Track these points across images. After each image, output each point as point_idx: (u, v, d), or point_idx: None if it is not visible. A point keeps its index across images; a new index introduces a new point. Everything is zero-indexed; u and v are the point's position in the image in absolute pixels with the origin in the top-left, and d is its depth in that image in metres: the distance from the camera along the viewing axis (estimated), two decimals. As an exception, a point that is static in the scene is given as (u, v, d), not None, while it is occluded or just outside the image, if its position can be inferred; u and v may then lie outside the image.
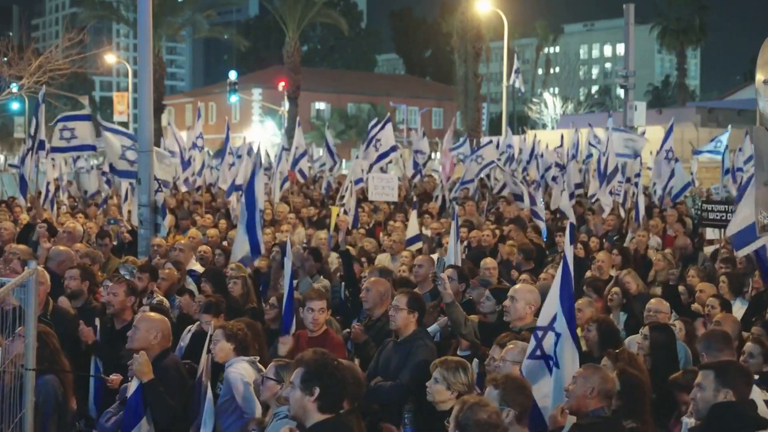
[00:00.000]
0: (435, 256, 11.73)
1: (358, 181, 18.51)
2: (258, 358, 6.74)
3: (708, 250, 13.25)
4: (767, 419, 5.26)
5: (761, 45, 9.34)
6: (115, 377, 6.95)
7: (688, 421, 5.54)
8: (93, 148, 15.65)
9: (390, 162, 22.80)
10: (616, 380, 5.67)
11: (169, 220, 15.37)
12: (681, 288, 10.17)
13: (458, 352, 7.52)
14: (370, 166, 19.95)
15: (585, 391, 5.48)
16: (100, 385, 7.27)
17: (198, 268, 10.97)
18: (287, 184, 20.69)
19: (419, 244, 13.32)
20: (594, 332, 7.31)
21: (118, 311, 7.79)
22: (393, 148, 21.09)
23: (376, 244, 13.43)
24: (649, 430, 5.79)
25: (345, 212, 16.16)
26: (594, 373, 5.58)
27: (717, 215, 12.50)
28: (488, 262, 10.61)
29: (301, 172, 22.53)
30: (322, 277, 10.71)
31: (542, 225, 15.35)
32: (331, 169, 25.25)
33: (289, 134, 47.96)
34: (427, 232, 14.63)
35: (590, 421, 5.44)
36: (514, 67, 40.69)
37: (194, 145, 20.29)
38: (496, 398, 5.27)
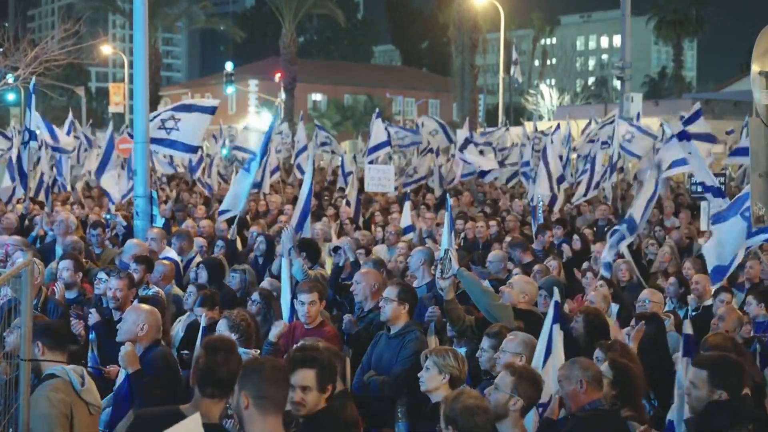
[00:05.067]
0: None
1: (348, 173, 18.60)
2: (258, 351, 6.77)
3: (702, 241, 13.26)
4: (761, 414, 5.29)
5: (757, 37, 9.34)
6: (112, 369, 6.96)
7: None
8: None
9: (389, 155, 22.78)
10: (596, 365, 5.66)
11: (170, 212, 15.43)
12: (675, 279, 10.22)
13: (455, 346, 7.53)
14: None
15: (574, 388, 5.45)
16: (98, 377, 7.28)
17: (173, 255, 10.81)
18: (276, 175, 20.74)
19: (411, 235, 13.39)
20: (581, 323, 7.26)
21: (121, 305, 7.76)
22: (385, 143, 21.06)
23: (371, 236, 13.45)
24: (642, 416, 5.81)
25: (347, 203, 16.24)
26: (571, 367, 5.54)
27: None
28: (495, 255, 10.55)
29: (299, 167, 22.57)
30: (318, 269, 10.70)
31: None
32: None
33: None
34: (424, 224, 14.66)
35: (587, 414, 5.41)
36: (513, 58, 40.59)
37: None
38: (509, 384, 5.22)
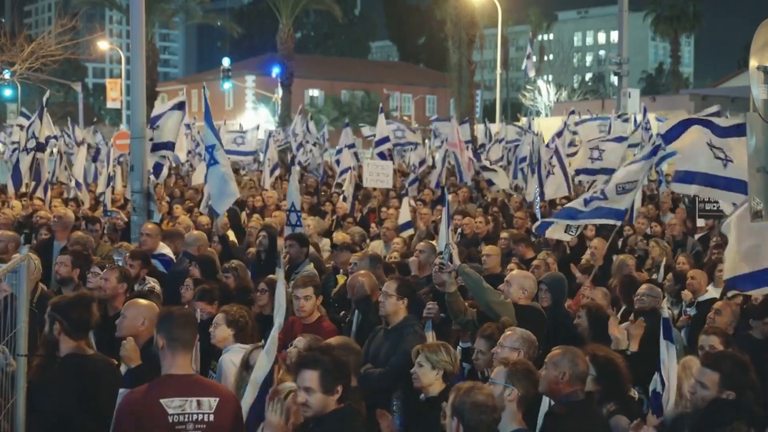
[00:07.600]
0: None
1: (346, 169, 18.60)
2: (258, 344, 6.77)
3: (698, 237, 13.25)
4: (760, 413, 5.28)
5: (755, 32, 9.33)
6: (110, 364, 6.95)
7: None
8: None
9: (390, 150, 22.82)
10: (588, 360, 5.62)
11: (164, 207, 15.38)
12: (673, 275, 10.19)
13: (460, 344, 7.53)
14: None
15: (556, 376, 5.45)
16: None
17: (167, 252, 10.70)
18: (277, 171, 20.73)
19: (410, 231, 13.36)
20: (584, 319, 7.28)
21: (110, 297, 7.75)
22: (387, 138, 21.20)
23: (363, 232, 13.45)
24: (632, 408, 5.78)
25: (344, 199, 16.27)
26: (563, 356, 5.51)
27: (713, 206, 12.22)
28: (488, 249, 10.46)
29: (299, 162, 22.65)
30: (312, 264, 10.68)
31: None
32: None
33: (283, 121, 47.82)
34: (422, 223, 14.63)
35: (564, 408, 5.42)
36: (527, 53, 40.68)
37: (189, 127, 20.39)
38: (503, 376, 5.20)
